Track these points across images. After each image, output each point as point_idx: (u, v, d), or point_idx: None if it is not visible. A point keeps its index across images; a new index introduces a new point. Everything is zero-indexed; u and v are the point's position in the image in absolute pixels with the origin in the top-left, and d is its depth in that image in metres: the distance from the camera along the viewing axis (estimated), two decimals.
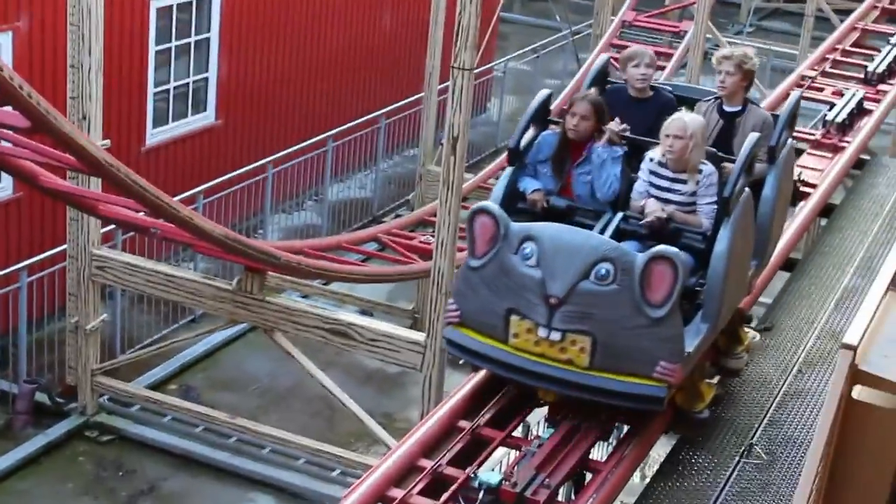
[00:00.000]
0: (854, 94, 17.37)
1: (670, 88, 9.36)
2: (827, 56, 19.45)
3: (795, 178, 13.84)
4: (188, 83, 19.01)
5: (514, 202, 8.43)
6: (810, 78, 18.20)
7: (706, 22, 20.11)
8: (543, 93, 8.82)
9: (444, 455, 7.72)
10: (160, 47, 18.20)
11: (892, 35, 20.34)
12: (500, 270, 7.59)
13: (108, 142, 13.82)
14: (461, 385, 8.61)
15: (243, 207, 18.69)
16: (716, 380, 9.24)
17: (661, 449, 9.53)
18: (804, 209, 13.39)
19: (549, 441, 7.88)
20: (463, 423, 8.08)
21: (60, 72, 14.48)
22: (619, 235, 8.16)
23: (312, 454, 14.54)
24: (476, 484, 7.39)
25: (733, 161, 8.29)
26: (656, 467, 8.80)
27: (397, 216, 21.25)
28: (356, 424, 14.48)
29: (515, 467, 7.63)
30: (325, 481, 14.37)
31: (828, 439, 5.85)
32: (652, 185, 8.33)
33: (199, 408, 15.02)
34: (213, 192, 17.99)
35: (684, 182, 8.26)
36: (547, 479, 7.48)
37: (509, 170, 8.55)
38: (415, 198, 21.54)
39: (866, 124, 16.67)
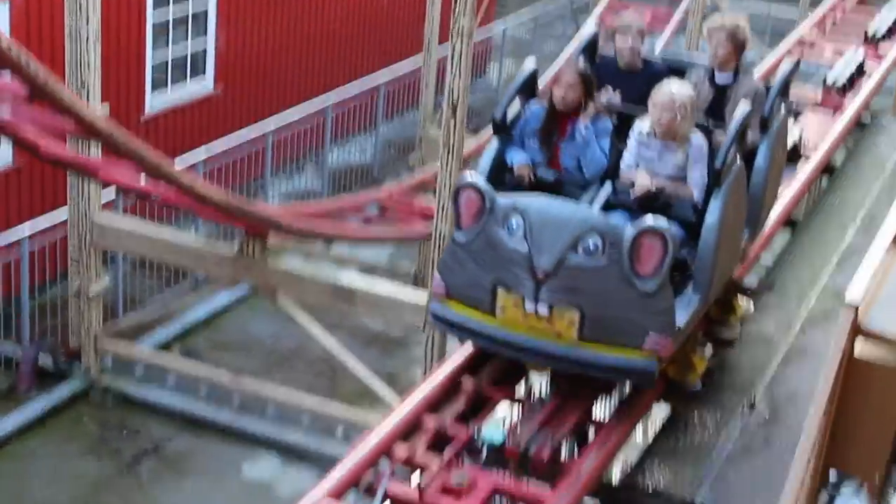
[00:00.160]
0: (855, 55, 17.36)
1: (660, 59, 9.19)
2: (827, 17, 19.41)
3: (796, 138, 13.92)
4: (187, 51, 18.97)
5: (500, 175, 8.27)
6: (810, 39, 18.18)
7: None
8: (530, 64, 8.64)
9: (448, 411, 7.76)
10: (158, 18, 18.17)
11: None
12: (486, 244, 7.46)
13: (107, 106, 13.81)
14: (464, 344, 8.61)
15: (243, 173, 18.68)
16: (708, 351, 9.16)
17: (663, 405, 9.54)
18: (806, 169, 13.40)
19: (552, 398, 7.92)
20: (466, 381, 8.10)
21: (58, 40, 14.45)
22: (607, 207, 8.05)
23: (316, 413, 14.60)
24: (480, 441, 7.45)
25: (724, 131, 8.16)
26: (659, 424, 8.82)
27: (397, 180, 21.25)
28: (359, 384, 14.54)
29: (518, 424, 7.67)
30: (329, 440, 14.43)
31: (830, 396, 5.88)
32: (641, 156, 8.17)
33: (202, 369, 15.07)
34: (213, 159, 17.97)
35: (673, 153, 8.09)
36: (550, 436, 7.51)
37: (495, 142, 8.39)
38: (415, 161, 21.55)
39: (867, 84, 16.66)
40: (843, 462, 6.34)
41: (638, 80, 8.69)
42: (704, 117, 8.52)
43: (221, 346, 16.42)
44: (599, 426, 8.02)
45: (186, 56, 19.01)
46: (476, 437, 7.50)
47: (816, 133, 14.78)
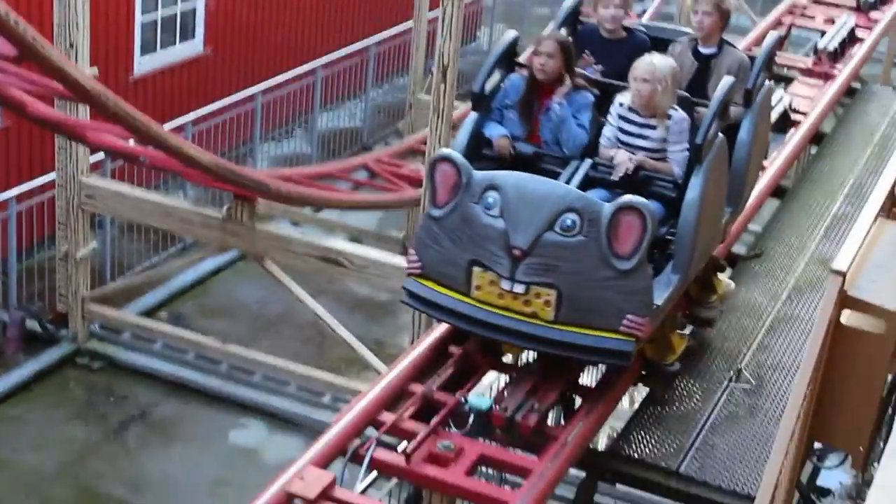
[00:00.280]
0: (845, 22, 17.32)
1: (644, 29, 9.00)
2: None
3: (786, 105, 13.91)
4: (176, 12, 18.87)
5: (478, 149, 8.11)
6: (802, 5, 18.14)
7: None
8: (509, 34, 8.41)
9: (435, 380, 7.75)
10: None
11: None
12: (462, 220, 7.30)
13: (95, 69, 13.76)
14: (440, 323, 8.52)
15: (232, 136, 18.63)
16: (687, 330, 8.98)
17: None
18: (795, 137, 13.39)
19: (540, 367, 7.90)
20: (453, 349, 8.09)
21: (47, 1, 14.36)
22: (587, 183, 7.88)
23: (303, 380, 14.62)
24: (466, 408, 7.44)
25: (707, 106, 7.98)
26: (645, 392, 8.83)
27: (387, 145, 21.22)
28: (347, 351, 14.55)
29: (505, 392, 7.67)
30: (316, 407, 14.45)
31: (816, 364, 5.87)
32: (621, 130, 8.03)
33: (190, 334, 15.07)
34: (201, 121, 17.92)
35: (654, 128, 7.95)
36: (536, 404, 7.51)
37: (473, 115, 8.16)
38: (404, 126, 21.51)
39: (858, 52, 16.64)
40: (828, 434, 6.35)
41: (621, 50, 8.54)
42: (687, 90, 8.37)
43: (209, 311, 16.41)
44: (586, 395, 8.02)
45: (176, 17, 18.89)
46: (463, 404, 7.49)
47: (806, 101, 14.76)
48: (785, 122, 13.85)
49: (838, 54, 16.29)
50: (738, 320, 9.76)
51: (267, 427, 14.36)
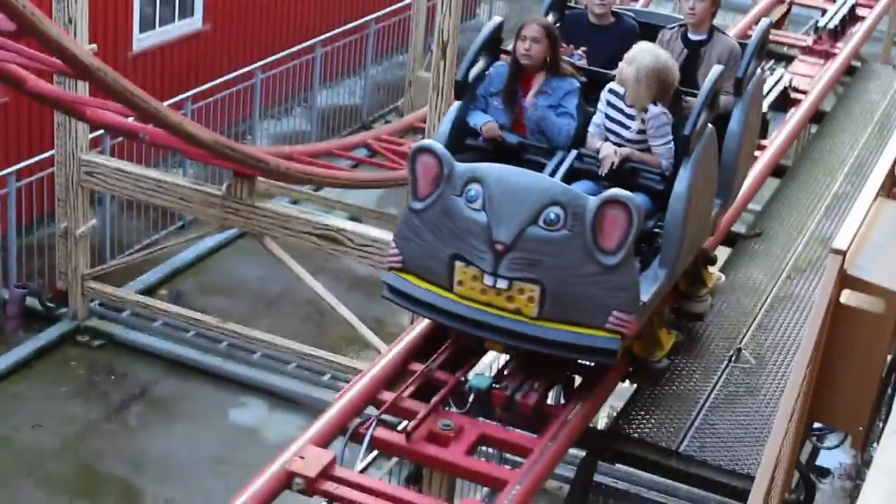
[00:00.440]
0: (846, 1, 17.27)
1: (633, 14, 8.77)
2: None
3: (786, 84, 13.88)
4: None
5: (462, 139, 7.87)
6: None
7: None
8: (495, 20, 8.16)
9: (435, 359, 7.74)
10: None
11: None
12: (443, 214, 7.07)
13: (94, 46, 13.73)
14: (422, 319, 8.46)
15: (231, 114, 18.61)
16: (676, 326, 8.72)
17: None
18: (795, 116, 13.37)
19: (527, 358, 7.81)
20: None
21: None
22: (573, 175, 7.68)
23: (303, 359, 14.65)
24: (466, 388, 7.44)
25: (695, 95, 7.70)
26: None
27: (387, 122, 21.20)
28: (346, 329, 14.56)
29: (505, 371, 7.67)
30: (316, 385, 14.49)
31: (816, 343, 5.87)
32: (608, 116, 7.81)
33: (190, 312, 15.09)
34: (201, 98, 17.89)
35: (632, 118, 7.73)
36: (536, 383, 7.51)
37: (456, 104, 7.91)
38: (404, 104, 21.49)
39: (858, 31, 16.60)
40: (828, 414, 6.36)
41: (609, 37, 8.36)
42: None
43: (209, 289, 16.42)
44: (586, 374, 8.02)
45: None
46: (463, 383, 7.49)
47: (806, 79, 14.74)
48: (785, 101, 13.82)
49: (839, 33, 16.24)
50: (738, 300, 9.75)
51: (267, 405, 14.38)
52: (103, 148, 15.88)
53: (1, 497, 12.54)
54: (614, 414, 8.64)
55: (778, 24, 17.46)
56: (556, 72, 7.88)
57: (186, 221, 17.16)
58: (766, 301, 9.80)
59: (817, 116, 14.18)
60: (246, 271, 16.75)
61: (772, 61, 15.09)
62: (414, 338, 7.97)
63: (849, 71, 15.81)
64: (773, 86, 13.72)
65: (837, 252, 5.74)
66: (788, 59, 15.78)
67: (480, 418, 7.46)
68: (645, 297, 7.17)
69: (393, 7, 22.54)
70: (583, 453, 8.20)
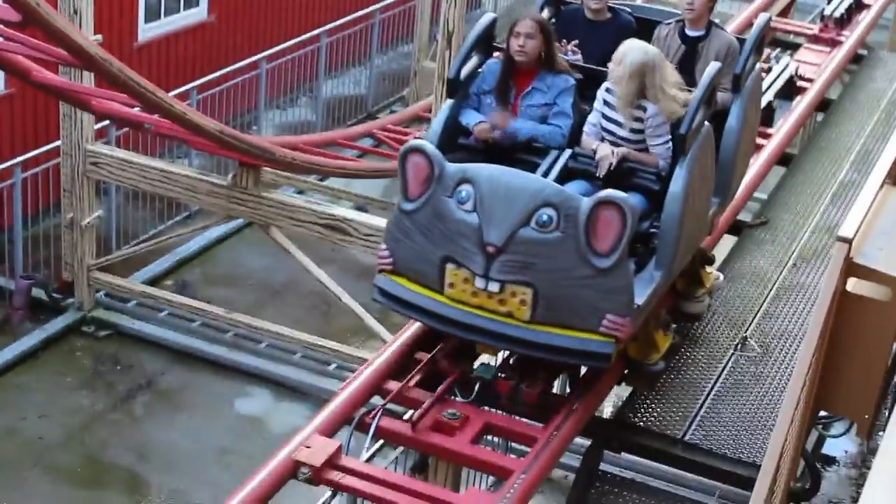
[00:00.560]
0: None
1: (629, 10, 8.68)
2: None
3: (792, 72, 13.85)
4: None
5: (455, 138, 7.75)
6: None
7: None
8: (488, 17, 8.00)
9: (441, 349, 7.74)
10: None
11: None
12: (434, 215, 6.95)
13: (100, 37, 13.72)
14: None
15: (237, 104, 18.60)
16: (672, 327, 8.50)
17: None
18: (801, 104, 13.35)
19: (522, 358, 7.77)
20: None
21: None
22: (567, 174, 7.56)
23: (309, 348, 14.65)
24: (472, 377, 7.44)
25: (692, 92, 7.58)
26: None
27: (392, 112, 21.18)
28: (352, 319, 14.55)
29: (511, 360, 7.67)
30: (322, 375, 14.48)
31: (822, 332, 5.87)
32: (603, 115, 7.69)
33: (196, 303, 15.10)
34: (206, 89, 17.89)
35: (632, 119, 7.57)
36: (542, 372, 7.50)
37: (449, 102, 7.77)
38: (409, 94, 21.47)
39: (864, 18, 16.57)
40: (834, 402, 6.36)
41: (606, 32, 8.24)
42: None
43: (214, 279, 16.43)
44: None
45: None
46: (469, 372, 7.48)
47: (812, 67, 14.71)
48: (791, 90, 13.80)
49: (845, 21, 16.21)
50: (744, 288, 9.75)
51: (273, 395, 14.39)
52: (109, 138, 15.88)
53: (7, 487, 12.55)
54: (620, 403, 8.64)
55: (784, 12, 17.45)
56: (551, 68, 7.76)
57: (192, 212, 17.16)
58: (771, 289, 9.80)
59: (823, 105, 14.17)
60: (252, 261, 16.75)
61: (777, 49, 15.07)
62: (420, 327, 7.96)
63: (855, 59, 15.79)
64: (779, 74, 13.70)
65: (843, 240, 5.73)
66: (794, 48, 15.76)
67: (486, 407, 7.47)
68: (640, 299, 7.06)
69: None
70: (588, 442, 8.20)
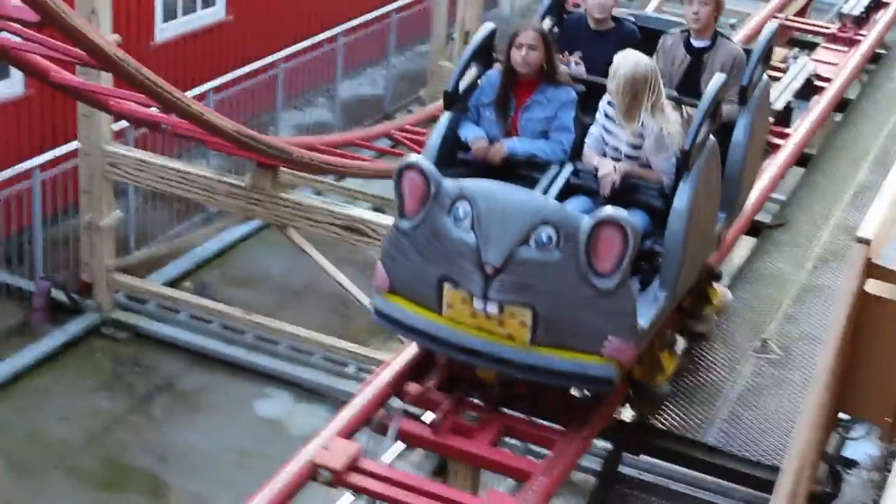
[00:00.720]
0: None
1: (633, 19, 8.45)
2: None
3: (810, 73, 13.80)
4: None
5: (454, 152, 7.55)
6: None
7: None
8: (487, 27, 7.74)
9: None
10: None
11: None
12: (431, 234, 6.75)
13: (117, 36, 13.75)
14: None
15: (254, 104, 18.62)
16: (679, 347, 8.37)
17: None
18: (819, 104, 13.30)
19: None
20: None
21: None
22: (568, 190, 7.39)
23: (327, 350, 14.66)
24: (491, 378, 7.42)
25: (696, 105, 7.37)
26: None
27: (409, 112, 21.18)
28: (370, 321, 14.52)
29: None
30: (340, 377, 14.49)
31: (842, 333, 5.85)
32: (605, 129, 7.49)
33: (215, 304, 15.12)
34: (224, 89, 17.92)
35: (632, 133, 7.35)
36: None
37: (446, 115, 7.55)
38: (426, 94, 21.46)
39: (883, 17, 16.50)
40: (855, 405, 6.34)
41: (609, 43, 7.97)
42: (679, 86, 7.97)
43: (233, 280, 16.45)
44: None
45: None
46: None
47: (830, 67, 14.66)
48: (809, 90, 13.76)
49: (863, 20, 16.14)
50: (764, 290, 9.72)
51: (292, 397, 14.40)
52: (127, 139, 15.91)
53: (28, 489, 12.59)
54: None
55: (801, 12, 17.40)
56: (552, 79, 7.60)
57: (210, 213, 17.18)
58: (791, 292, 9.77)
59: (842, 105, 14.11)
60: (270, 262, 16.77)
61: (795, 49, 15.02)
62: None
63: (873, 58, 15.72)
64: (797, 74, 13.66)
65: (862, 241, 5.71)
66: (812, 47, 15.70)
67: (505, 409, 7.46)
68: (643, 321, 6.89)
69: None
70: (608, 445, 8.18)
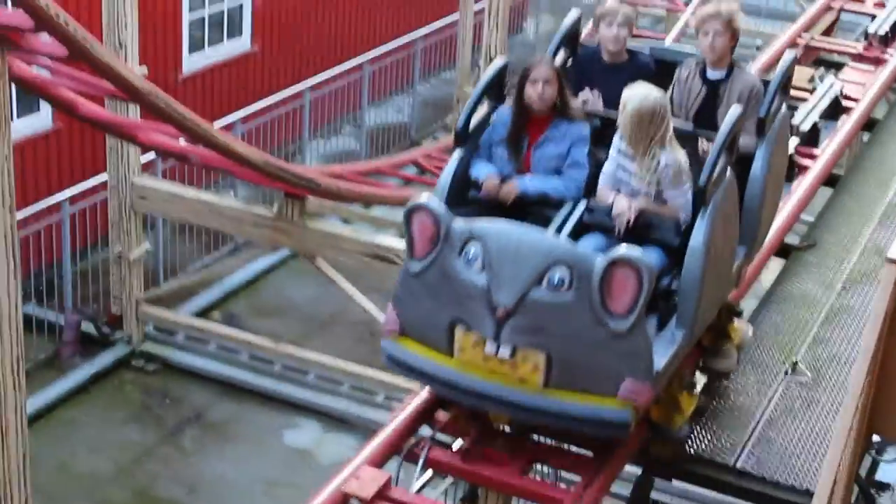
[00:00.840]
0: None
1: (648, 51, 8.31)
2: None
3: (837, 92, 13.75)
4: (223, 9, 18.95)
5: (465, 191, 7.42)
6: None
7: None
8: (497, 63, 7.65)
9: None
10: None
11: None
12: (442, 276, 6.62)
13: (144, 68, 13.83)
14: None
15: (281, 134, 18.69)
16: (699, 387, 8.13)
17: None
18: (847, 124, 13.25)
19: None
20: None
21: (95, 0, 14.47)
22: (582, 228, 7.27)
23: (356, 379, 14.65)
24: None
25: (713, 139, 7.22)
26: (700, 387, 8.73)
27: (435, 139, 21.21)
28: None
29: None
30: (370, 406, 14.47)
31: (873, 355, 5.81)
32: (619, 164, 7.32)
33: (243, 335, 15.14)
34: (251, 119, 17.99)
35: (647, 169, 7.19)
36: None
37: (457, 153, 7.42)
38: (452, 120, 21.49)
39: None
40: (887, 427, 6.28)
41: (623, 75, 7.70)
42: (695, 118, 7.83)
43: (261, 310, 16.46)
44: None
45: (223, 14, 18.97)
46: None
47: (858, 87, 14.60)
48: (836, 110, 13.70)
49: (889, 38, 16.08)
50: (793, 312, 9.67)
51: (321, 427, 14.39)
52: (155, 171, 15.98)
53: None
54: None
55: (827, 31, 17.35)
56: (565, 115, 7.50)
57: (238, 243, 17.22)
58: (821, 313, 9.71)
59: (869, 124, 14.05)
60: (298, 292, 16.79)
61: (822, 69, 14.97)
62: None
63: None
64: (825, 94, 13.61)
65: (893, 262, 5.66)
66: (839, 67, 15.65)
67: (535, 436, 7.43)
68: (660, 362, 6.74)
69: (439, 24, 22.57)
70: (639, 470, 8.13)
